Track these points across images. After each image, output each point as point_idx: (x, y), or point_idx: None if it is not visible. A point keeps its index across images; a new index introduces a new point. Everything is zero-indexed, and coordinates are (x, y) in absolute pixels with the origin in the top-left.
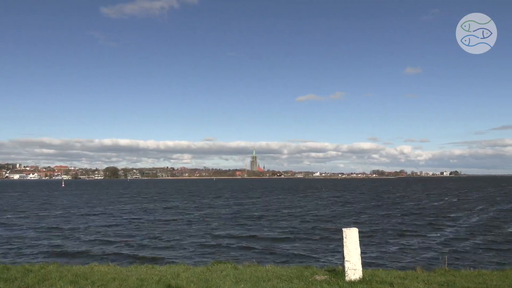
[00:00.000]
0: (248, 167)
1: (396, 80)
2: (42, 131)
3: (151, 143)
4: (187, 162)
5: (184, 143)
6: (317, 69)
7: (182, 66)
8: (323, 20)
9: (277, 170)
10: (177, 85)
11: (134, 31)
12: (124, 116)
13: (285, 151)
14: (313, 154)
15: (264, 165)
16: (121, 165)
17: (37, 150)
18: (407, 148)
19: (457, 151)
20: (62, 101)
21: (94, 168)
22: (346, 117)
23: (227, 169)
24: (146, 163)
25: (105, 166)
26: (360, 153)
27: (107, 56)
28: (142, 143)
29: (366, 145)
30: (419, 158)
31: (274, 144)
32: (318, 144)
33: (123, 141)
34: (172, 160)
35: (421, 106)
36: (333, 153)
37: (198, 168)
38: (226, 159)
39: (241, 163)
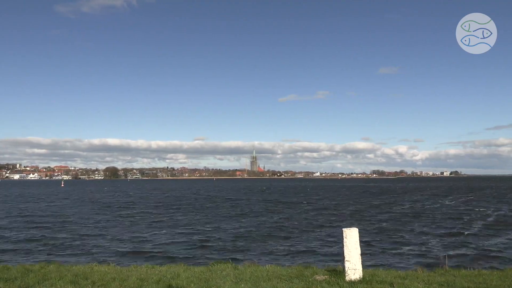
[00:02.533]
0: (248, 167)
1: (381, 79)
2: (27, 131)
3: (142, 142)
4: (183, 162)
5: (176, 142)
6: (298, 69)
7: (165, 66)
8: (305, 20)
9: (277, 170)
10: (162, 84)
11: (105, 29)
12: (112, 115)
13: (279, 151)
14: (307, 153)
15: (264, 165)
16: (116, 165)
17: (29, 150)
18: (403, 148)
19: (452, 151)
20: (45, 101)
21: (94, 168)
22: (339, 117)
23: (227, 169)
24: (142, 163)
25: (100, 166)
26: (355, 152)
27: (85, 55)
28: (133, 142)
29: (362, 144)
30: (415, 158)
31: (267, 144)
32: (312, 144)
33: (112, 141)
34: (167, 160)
35: (415, 106)
36: (327, 153)
37: (198, 168)
38: (221, 159)
39: (237, 163)
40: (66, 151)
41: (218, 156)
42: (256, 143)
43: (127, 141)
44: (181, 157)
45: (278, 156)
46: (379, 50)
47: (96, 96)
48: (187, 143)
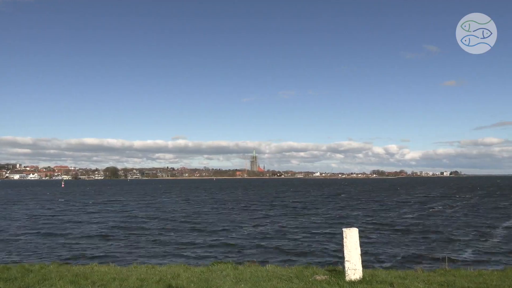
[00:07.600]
0: (248, 167)
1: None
2: (2, 130)
3: (123, 142)
4: (174, 161)
5: (161, 142)
6: (262, 69)
7: (140, 65)
8: (307, 19)
9: (277, 171)
10: (136, 83)
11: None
12: (87, 115)
13: (267, 151)
14: (295, 153)
15: (264, 165)
16: (107, 165)
17: (11, 150)
18: (394, 148)
19: (445, 151)
20: (21, 99)
21: (94, 168)
22: (323, 117)
23: (227, 169)
24: (134, 163)
25: (91, 165)
26: (345, 152)
27: (68, 54)
28: (114, 142)
29: (351, 144)
30: (408, 157)
31: (251, 143)
32: (301, 144)
33: (90, 140)
34: (157, 160)
35: (402, 106)
36: (316, 152)
37: (198, 168)
38: (210, 159)
39: (229, 162)
40: (52, 151)
41: (206, 156)
42: (240, 142)
43: (107, 140)
44: (169, 156)
45: (266, 155)
46: (373, 50)
47: (71, 96)
48: (172, 143)
